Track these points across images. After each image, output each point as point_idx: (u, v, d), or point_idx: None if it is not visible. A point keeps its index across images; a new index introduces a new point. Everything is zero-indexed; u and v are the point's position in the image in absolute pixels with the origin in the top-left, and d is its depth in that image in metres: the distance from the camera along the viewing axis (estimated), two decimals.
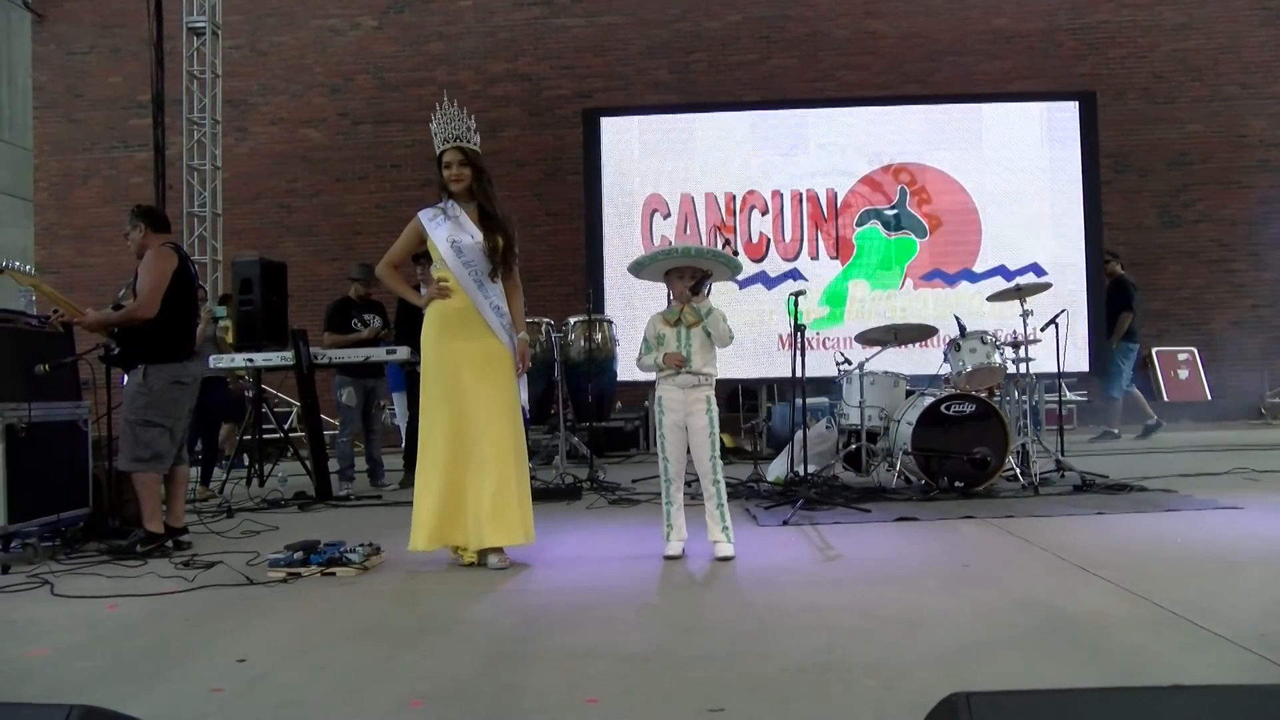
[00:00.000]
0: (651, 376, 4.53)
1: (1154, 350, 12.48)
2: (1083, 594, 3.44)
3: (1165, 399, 12.19)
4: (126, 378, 5.03)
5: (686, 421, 4.35)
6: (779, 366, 8.95)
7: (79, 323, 5.03)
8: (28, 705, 1.37)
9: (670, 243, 9.03)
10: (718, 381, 4.49)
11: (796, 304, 5.91)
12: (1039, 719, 1.29)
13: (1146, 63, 12.87)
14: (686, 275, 4.39)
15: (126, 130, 13.34)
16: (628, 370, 8.93)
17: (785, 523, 5.16)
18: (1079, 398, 11.37)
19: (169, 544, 4.91)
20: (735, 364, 9.08)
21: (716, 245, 8.44)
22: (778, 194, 9.66)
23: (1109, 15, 12.92)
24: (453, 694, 2.57)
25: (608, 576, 4.04)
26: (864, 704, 2.40)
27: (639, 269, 4.54)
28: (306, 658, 2.98)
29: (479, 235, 4.29)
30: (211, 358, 6.90)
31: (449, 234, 4.28)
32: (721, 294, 9.13)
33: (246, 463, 7.85)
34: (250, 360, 7.01)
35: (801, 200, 9.67)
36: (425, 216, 4.38)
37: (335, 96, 13.51)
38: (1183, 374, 12.43)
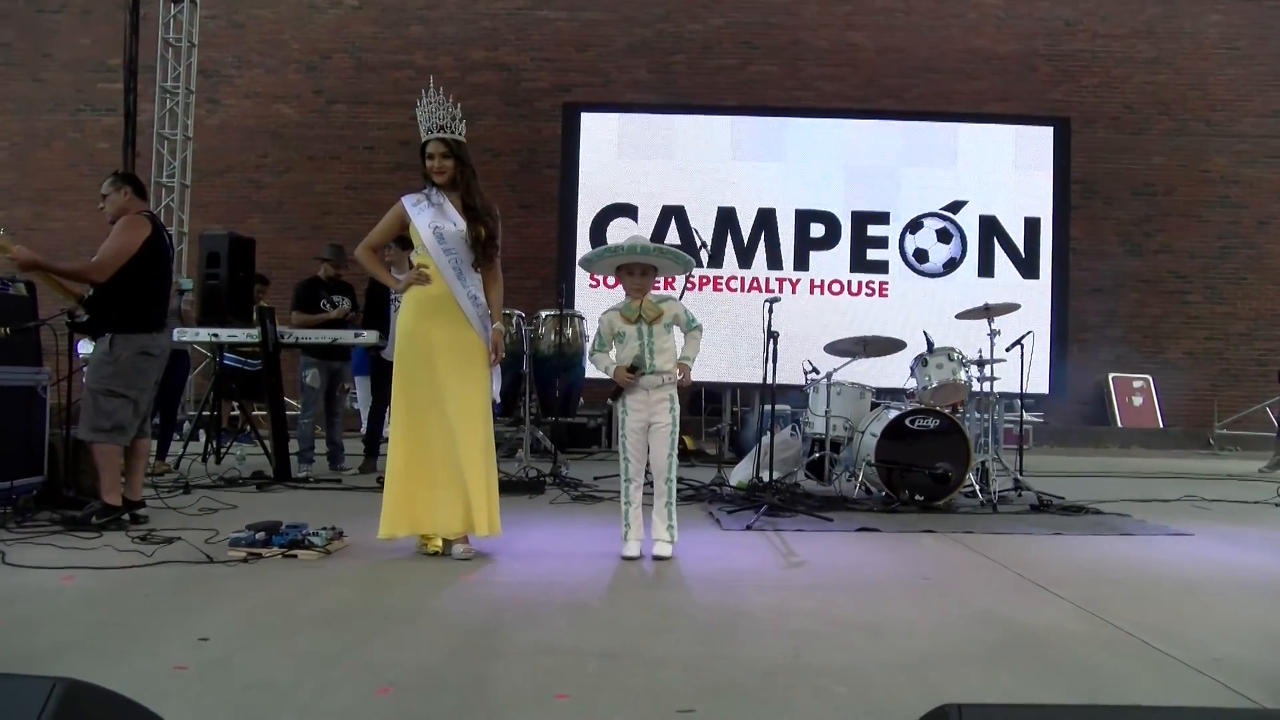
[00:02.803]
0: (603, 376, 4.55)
1: (1110, 376, 12.73)
2: (1042, 611, 3.50)
3: (1119, 424, 12.44)
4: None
5: (650, 420, 4.37)
6: (745, 371, 8.98)
7: (10, 256, 4.77)
8: (6, 675, 1.34)
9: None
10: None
11: (771, 311, 5.94)
12: None
13: (1118, 93, 13.12)
14: (636, 272, 4.42)
15: (94, 94, 13.07)
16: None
17: (749, 527, 5.19)
18: (1036, 419, 11.55)
19: (125, 517, 4.82)
20: (701, 367, 9.09)
21: (694, 244, 8.44)
22: (754, 199, 9.70)
23: (1085, 44, 13.14)
24: (421, 683, 2.56)
25: (573, 572, 4.04)
26: (833, 711, 2.43)
27: (589, 265, 4.65)
28: (271, 640, 2.95)
29: (462, 224, 4.26)
30: (175, 331, 6.79)
31: (431, 220, 4.25)
32: (695, 298, 9.21)
33: (204, 438, 7.76)
34: (215, 335, 6.92)
35: (778, 207, 9.71)
36: (409, 201, 4.35)
37: (311, 74, 13.36)
38: (1136, 400, 12.69)
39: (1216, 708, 1.89)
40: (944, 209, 9.67)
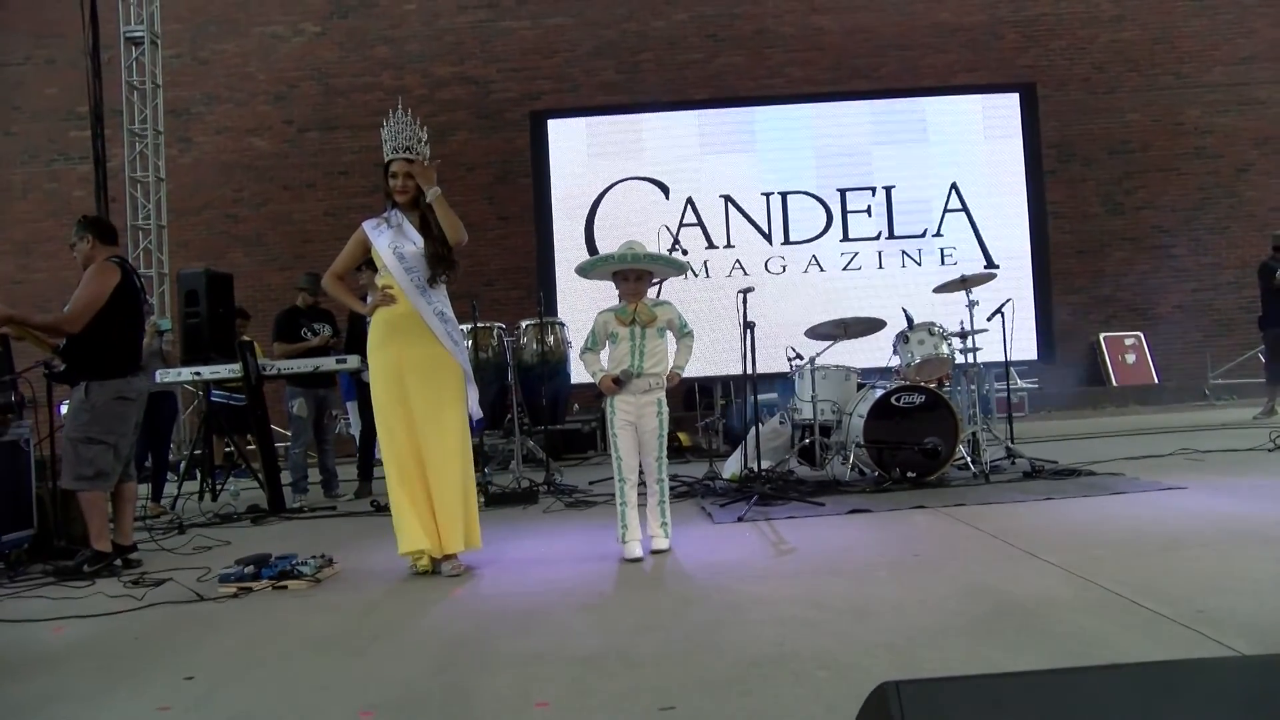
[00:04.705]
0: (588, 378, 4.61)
1: (1101, 335, 12.72)
2: (1030, 578, 3.49)
3: (1114, 383, 12.44)
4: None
5: (637, 423, 4.40)
6: (732, 364, 8.98)
7: None
8: None
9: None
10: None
11: (745, 301, 5.94)
12: (969, 705, 1.31)
13: (1086, 54, 13.11)
14: (632, 277, 4.46)
15: (66, 142, 13.09)
16: (582, 372, 8.93)
17: (740, 519, 5.19)
18: (1031, 385, 11.54)
19: (117, 563, 4.82)
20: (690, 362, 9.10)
21: (663, 246, 8.46)
22: (726, 191, 9.71)
23: (1048, 8, 13.15)
24: (403, 702, 2.56)
25: (562, 579, 4.04)
26: (814, 695, 2.42)
27: (584, 273, 4.65)
28: (256, 672, 2.95)
29: (421, 242, 4.27)
30: (158, 372, 6.79)
31: (391, 241, 4.27)
32: (675, 291, 9.21)
33: (199, 477, 7.76)
34: (197, 374, 6.92)
35: (751, 197, 9.72)
36: (369, 226, 4.38)
37: (280, 104, 13.36)
38: (1130, 358, 12.68)
39: (1182, 659, 1.88)
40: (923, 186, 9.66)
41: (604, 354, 4.55)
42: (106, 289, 4.83)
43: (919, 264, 9.61)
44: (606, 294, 4.68)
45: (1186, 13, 13.14)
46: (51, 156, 13.31)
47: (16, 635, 3.64)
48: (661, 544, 4.42)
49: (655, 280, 4.95)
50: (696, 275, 9.35)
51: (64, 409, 6.21)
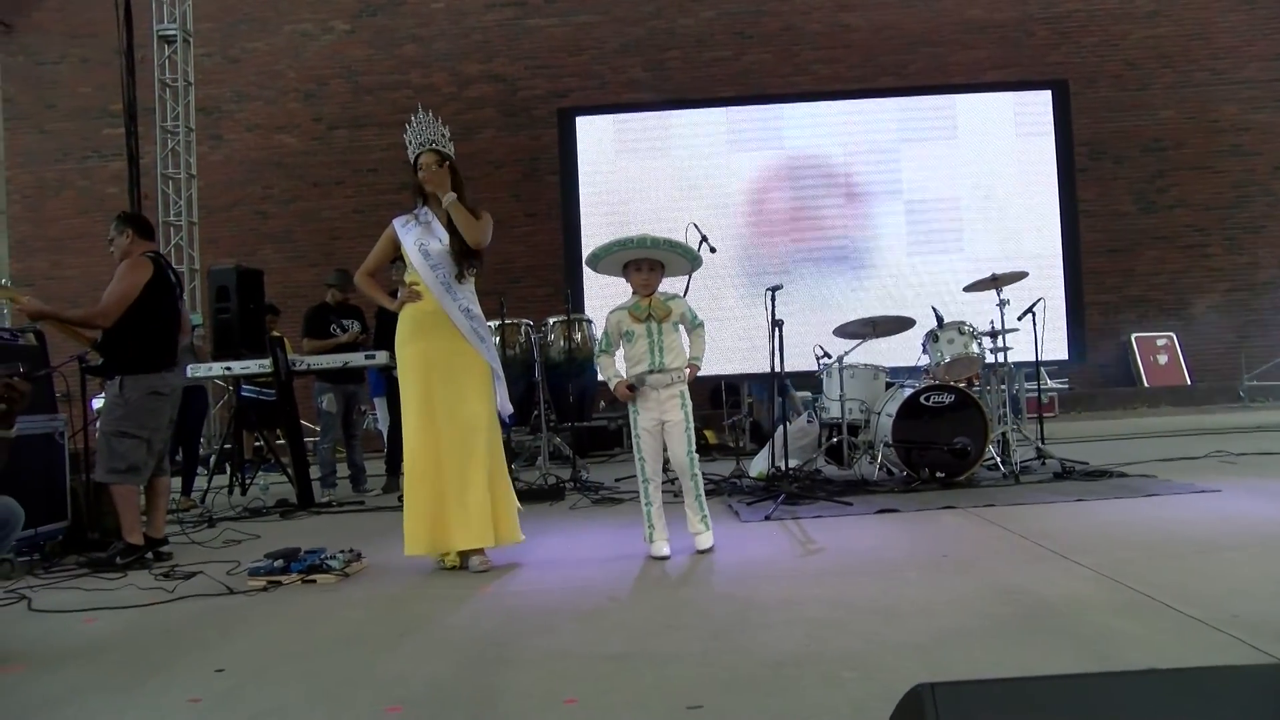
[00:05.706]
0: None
1: (1133, 336, 12.57)
2: (1060, 580, 3.46)
3: (1145, 384, 12.28)
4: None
5: (662, 418, 4.35)
6: (759, 362, 8.95)
7: (20, 307, 4.94)
8: None
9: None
10: (701, 378, 4.51)
11: (774, 299, 5.91)
12: (1004, 708, 1.30)
13: (1119, 50, 12.94)
14: (644, 268, 4.36)
15: (99, 140, 13.24)
16: None
17: (767, 518, 5.16)
18: (1062, 385, 11.42)
19: (149, 555, 4.87)
20: (715, 360, 9.08)
21: (689, 239, 8.41)
22: (754, 188, 9.68)
23: (1080, 4, 12.99)
24: (430, 698, 2.57)
25: (588, 576, 4.04)
26: (841, 696, 2.41)
27: (595, 261, 4.50)
28: (285, 666, 2.97)
29: (447, 239, 4.29)
30: (189, 367, 6.85)
31: (418, 238, 4.30)
32: (701, 289, 9.20)
33: (229, 471, 7.83)
34: (228, 369, 6.98)
35: (779, 194, 9.68)
36: (399, 223, 4.41)
37: (309, 101, 13.46)
38: (1162, 359, 12.51)
39: (1217, 665, 1.86)
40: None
41: (619, 355, 4.48)
42: (138, 283, 4.89)
43: (949, 262, 9.53)
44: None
45: (1223, 8, 12.93)
46: (85, 154, 13.47)
47: (50, 626, 3.69)
48: (705, 541, 4.32)
49: (686, 274, 4.89)
50: (718, 258, 9.26)
51: (96, 403, 6.32)
